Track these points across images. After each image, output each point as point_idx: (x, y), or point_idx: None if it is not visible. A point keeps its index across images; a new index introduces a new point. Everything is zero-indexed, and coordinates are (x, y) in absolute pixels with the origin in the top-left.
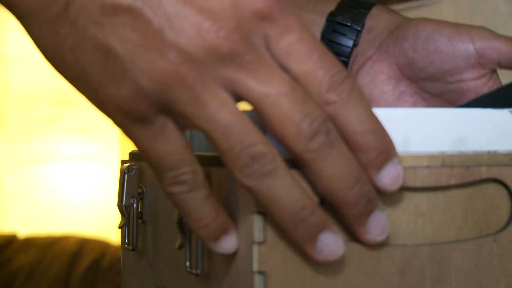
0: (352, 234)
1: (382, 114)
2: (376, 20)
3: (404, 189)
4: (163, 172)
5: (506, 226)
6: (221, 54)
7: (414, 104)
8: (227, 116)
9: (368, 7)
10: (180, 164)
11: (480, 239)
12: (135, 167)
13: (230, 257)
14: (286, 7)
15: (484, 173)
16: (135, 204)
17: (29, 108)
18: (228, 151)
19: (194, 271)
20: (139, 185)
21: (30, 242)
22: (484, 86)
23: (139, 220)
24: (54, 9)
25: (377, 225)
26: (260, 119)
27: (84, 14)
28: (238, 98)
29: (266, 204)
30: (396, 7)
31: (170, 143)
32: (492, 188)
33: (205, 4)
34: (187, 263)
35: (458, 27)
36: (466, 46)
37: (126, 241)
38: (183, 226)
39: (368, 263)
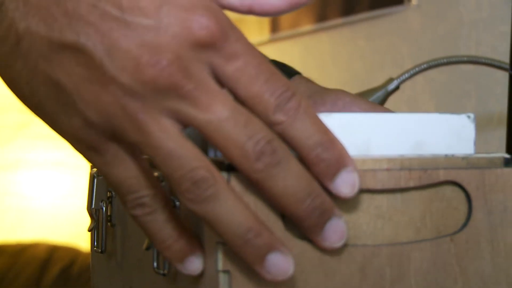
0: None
1: (344, 119)
2: (296, 86)
3: (365, 191)
4: (123, 195)
5: (463, 227)
6: (159, 87)
7: None
8: (169, 143)
9: (290, 75)
10: (139, 188)
11: (438, 240)
12: None
13: None
14: (230, 32)
15: (441, 175)
16: (104, 208)
17: None
18: (170, 176)
19: (161, 272)
20: (108, 189)
21: (0, 249)
22: None
23: (108, 223)
24: (7, 45)
25: (334, 233)
26: (210, 144)
27: (34, 50)
28: (184, 124)
29: (213, 226)
30: (363, 15)
31: (126, 168)
32: (450, 190)
33: (145, 38)
34: (155, 264)
35: (374, 105)
36: None
37: (96, 243)
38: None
39: (329, 262)
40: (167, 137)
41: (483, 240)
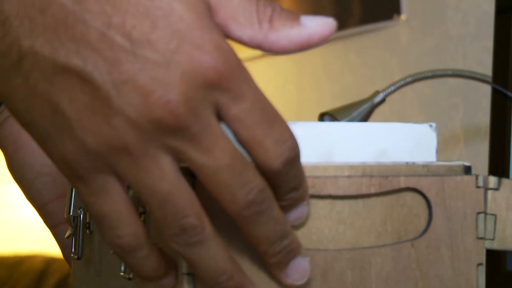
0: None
1: (307, 127)
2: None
3: (326, 197)
4: (103, 229)
5: (423, 232)
6: (167, 126)
7: None
8: (166, 186)
9: None
10: (119, 224)
11: (399, 245)
12: None
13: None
14: (238, 72)
15: (402, 182)
16: (82, 215)
17: None
18: (160, 219)
19: (127, 276)
20: None
21: None
22: None
23: (87, 231)
24: (9, 60)
25: (296, 271)
26: (201, 182)
27: (37, 70)
28: (182, 162)
29: (191, 266)
30: (353, 30)
31: (110, 202)
32: (411, 197)
33: (154, 75)
34: (122, 268)
35: None
36: None
37: (73, 250)
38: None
39: None
40: (164, 178)
41: (443, 246)
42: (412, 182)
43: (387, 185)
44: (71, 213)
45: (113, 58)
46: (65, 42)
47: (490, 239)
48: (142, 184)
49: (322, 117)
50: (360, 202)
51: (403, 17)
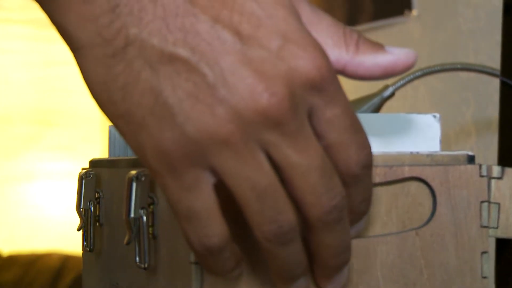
0: (314, 279)
1: None
2: None
3: None
4: (189, 228)
5: (428, 221)
6: (269, 118)
7: None
8: (265, 179)
9: None
10: (209, 223)
11: (404, 233)
12: (92, 172)
13: (172, 250)
14: (335, 76)
15: (406, 172)
16: (92, 208)
17: (10, 127)
18: (257, 214)
19: (142, 265)
20: (96, 190)
21: (13, 260)
22: None
23: (97, 223)
24: (113, 46)
25: (340, 281)
26: (285, 181)
27: (141, 58)
28: (274, 160)
29: (270, 262)
30: (365, 26)
31: (202, 198)
32: (415, 186)
33: (260, 67)
34: (137, 258)
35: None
36: None
37: (85, 243)
38: (130, 223)
39: None
40: (264, 172)
41: (448, 234)
42: (416, 172)
43: (391, 174)
44: (81, 206)
45: (221, 50)
46: (174, 31)
47: (494, 228)
48: (241, 177)
49: None
50: None
51: (414, 12)
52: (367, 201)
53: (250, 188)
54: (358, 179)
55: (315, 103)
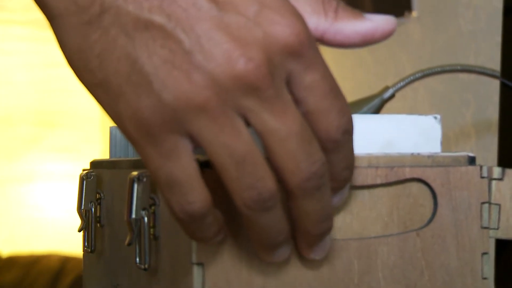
0: (297, 248)
1: None
2: None
3: None
4: (171, 195)
5: (428, 222)
6: (246, 84)
7: None
8: (243, 146)
9: None
10: (190, 190)
11: (405, 234)
12: (93, 173)
13: (173, 251)
14: (314, 41)
15: (407, 173)
16: (93, 209)
17: (10, 128)
18: (236, 181)
19: (142, 266)
20: (97, 191)
21: (13, 261)
22: None
23: (98, 224)
24: (88, 14)
25: (323, 249)
26: (264, 149)
27: (117, 25)
28: (253, 126)
29: (253, 230)
30: None
31: (182, 165)
32: (416, 187)
33: (237, 33)
34: (137, 259)
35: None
36: None
37: (86, 243)
38: (132, 224)
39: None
40: (242, 138)
41: (448, 235)
42: (417, 173)
43: (393, 175)
44: (82, 207)
45: (197, 16)
46: None
47: (494, 229)
48: (219, 143)
49: None
50: (366, 192)
51: (414, 14)
52: (350, 168)
53: (228, 155)
54: (339, 145)
55: (294, 69)
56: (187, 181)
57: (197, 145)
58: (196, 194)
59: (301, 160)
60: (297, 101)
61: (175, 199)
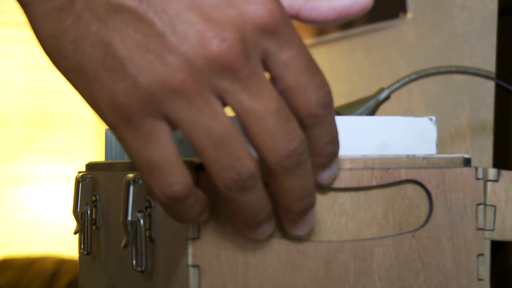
0: (282, 226)
1: None
2: None
3: (329, 189)
4: (151, 179)
5: (424, 224)
6: (220, 64)
7: None
8: (220, 127)
9: None
10: (170, 172)
11: (400, 236)
12: (89, 176)
13: (169, 253)
14: (288, 19)
15: (403, 174)
16: (89, 211)
17: (5, 130)
18: (215, 162)
19: (139, 268)
20: (93, 193)
21: (9, 263)
22: None
23: (93, 226)
24: (59, 0)
25: (306, 225)
26: (242, 129)
27: (89, 10)
28: (230, 107)
29: (233, 209)
30: (360, 29)
31: (160, 148)
32: (411, 188)
33: (210, 14)
34: (133, 261)
35: None
36: None
37: (82, 246)
38: (128, 226)
39: (296, 257)
40: (219, 119)
41: (444, 236)
42: (412, 174)
43: (388, 177)
44: (78, 210)
45: None
46: None
47: (489, 230)
48: (196, 125)
49: None
50: (361, 194)
51: (409, 15)
52: (334, 142)
53: (206, 136)
54: (319, 120)
55: (269, 48)
56: (167, 164)
57: (174, 128)
58: (176, 177)
59: (279, 139)
60: (273, 79)
61: (155, 182)
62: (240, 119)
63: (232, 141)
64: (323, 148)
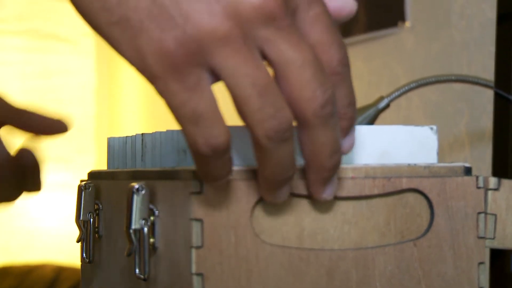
0: (310, 191)
1: None
2: None
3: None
4: (195, 129)
5: (425, 232)
6: (265, 14)
7: None
8: (264, 76)
9: None
10: (215, 123)
11: (402, 244)
12: (91, 184)
13: (173, 262)
14: None
15: (404, 183)
16: (91, 219)
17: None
18: (259, 111)
19: (142, 276)
20: (95, 202)
21: (7, 271)
22: None
23: (96, 235)
24: None
25: (332, 188)
26: (278, 80)
27: None
28: (268, 58)
29: (266, 164)
30: (359, 37)
31: (205, 98)
32: (413, 197)
33: None
34: (136, 270)
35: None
36: None
37: (84, 254)
38: (131, 235)
39: (298, 265)
40: (262, 69)
41: (445, 245)
42: (414, 183)
43: (389, 186)
44: (81, 218)
45: None
46: None
47: (490, 238)
48: (242, 74)
49: None
50: (363, 203)
51: (407, 24)
52: (352, 105)
53: (251, 85)
54: (341, 78)
55: (299, 2)
56: (212, 114)
57: (216, 80)
58: (220, 128)
59: (316, 88)
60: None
61: (200, 133)
62: (279, 70)
63: (275, 91)
64: (344, 110)
